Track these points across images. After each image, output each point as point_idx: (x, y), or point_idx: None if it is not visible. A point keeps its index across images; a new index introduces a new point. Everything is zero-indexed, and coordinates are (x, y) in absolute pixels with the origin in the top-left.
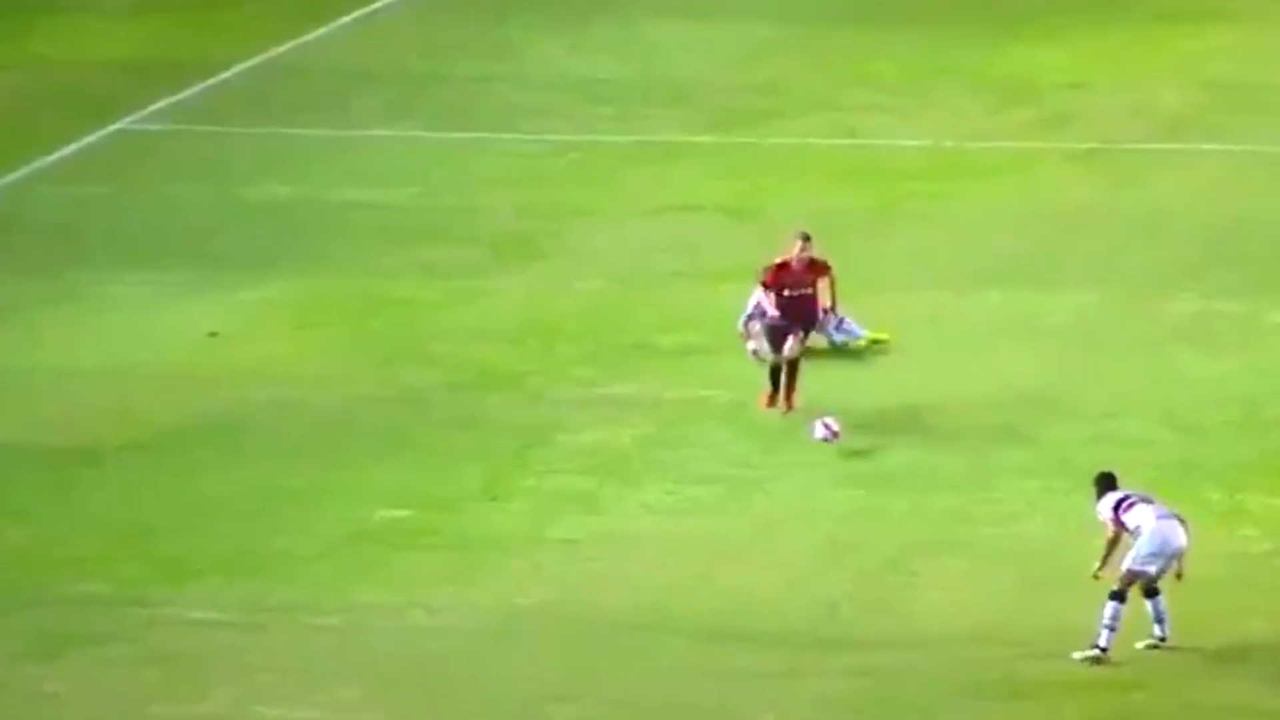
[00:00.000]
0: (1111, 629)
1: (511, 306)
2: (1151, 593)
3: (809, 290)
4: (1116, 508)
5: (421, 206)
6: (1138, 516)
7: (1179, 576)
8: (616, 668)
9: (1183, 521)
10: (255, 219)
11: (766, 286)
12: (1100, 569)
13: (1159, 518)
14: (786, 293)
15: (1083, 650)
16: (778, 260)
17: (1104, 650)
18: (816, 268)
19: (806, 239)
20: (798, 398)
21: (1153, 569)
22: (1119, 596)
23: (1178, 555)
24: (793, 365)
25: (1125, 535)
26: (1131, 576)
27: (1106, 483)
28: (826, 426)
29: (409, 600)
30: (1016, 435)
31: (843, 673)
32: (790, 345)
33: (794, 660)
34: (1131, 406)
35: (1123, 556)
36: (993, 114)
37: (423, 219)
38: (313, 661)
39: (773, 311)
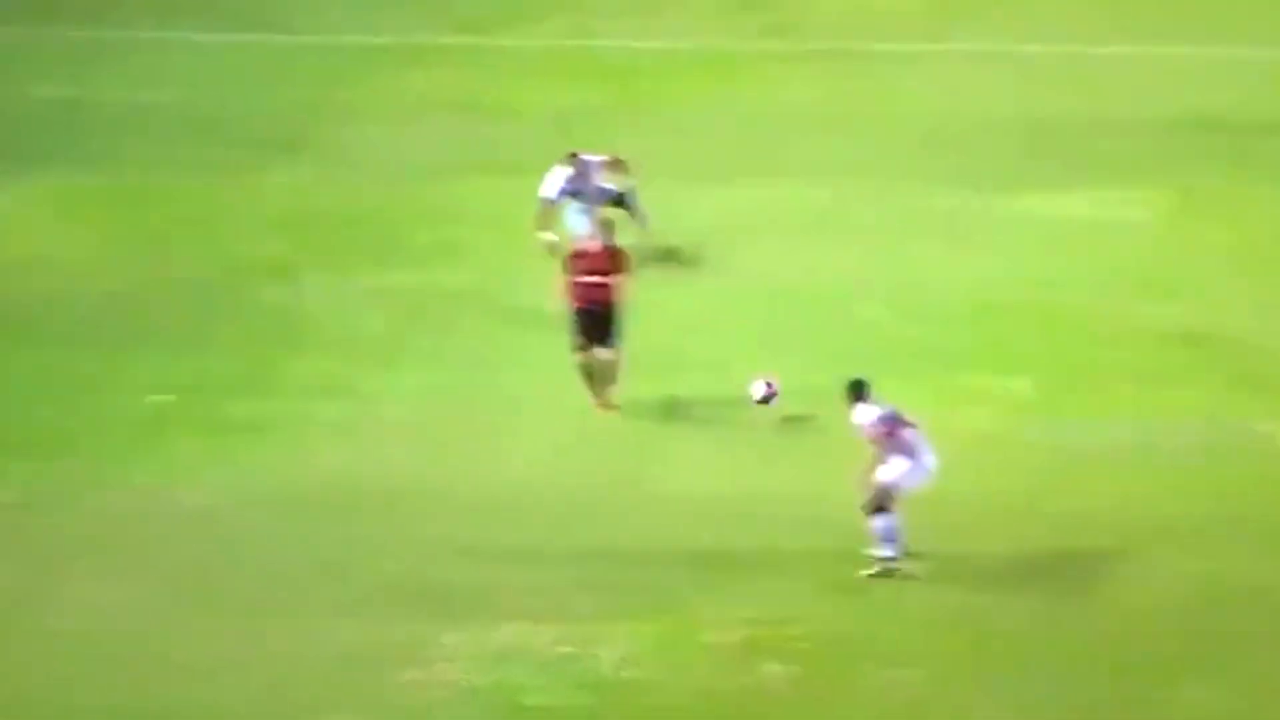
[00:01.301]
0: (891, 540)
1: (278, 201)
2: (889, 509)
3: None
4: (887, 421)
5: (191, 105)
6: (911, 439)
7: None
8: (382, 544)
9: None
10: (29, 117)
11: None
12: (865, 482)
13: (916, 446)
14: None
15: (869, 568)
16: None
17: (892, 559)
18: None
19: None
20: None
21: (907, 487)
22: (883, 509)
23: (926, 477)
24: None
25: (880, 448)
26: (890, 491)
27: (858, 391)
28: (768, 385)
29: (180, 481)
30: (753, 322)
31: (596, 553)
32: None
33: (550, 538)
34: (863, 292)
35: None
36: (728, 16)
37: (193, 117)
38: (90, 541)
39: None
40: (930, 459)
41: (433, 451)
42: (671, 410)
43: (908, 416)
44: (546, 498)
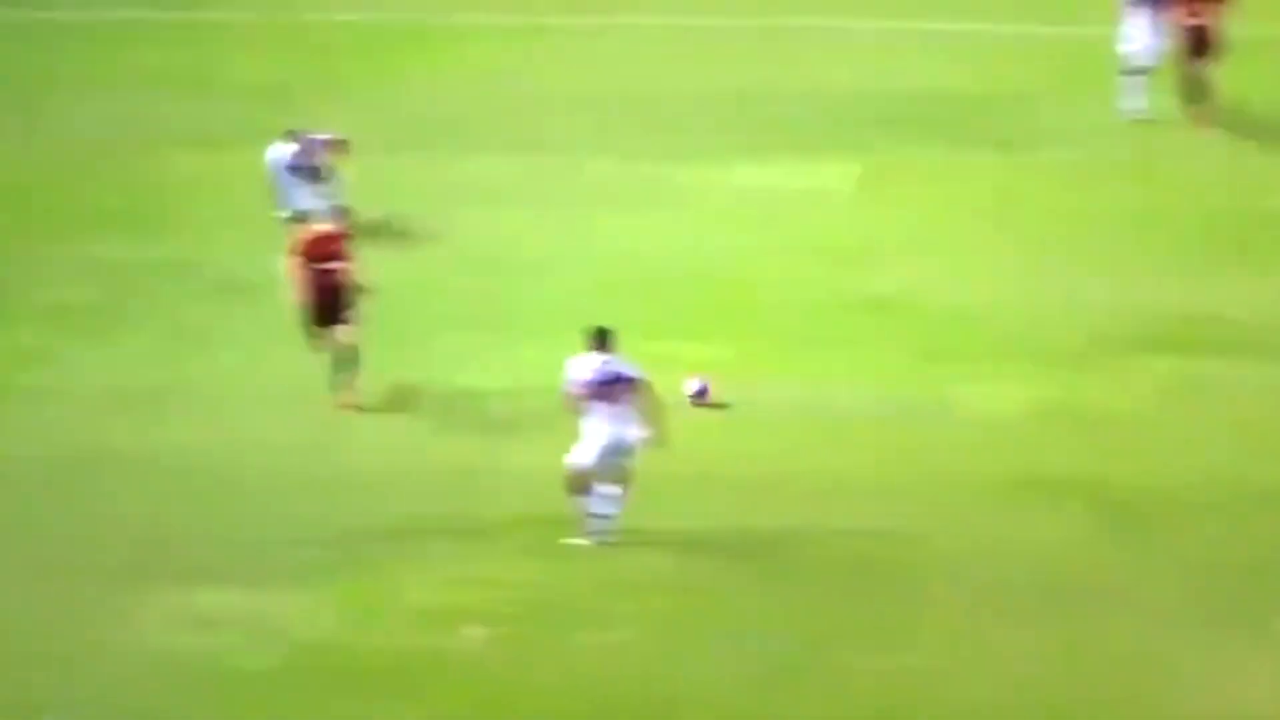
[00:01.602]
0: (598, 513)
1: None
2: (587, 489)
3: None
4: (593, 386)
5: None
6: (617, 412)
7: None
8: (85, 510)
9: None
10: None
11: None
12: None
13: (610, 419)
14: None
15: (575, 535)
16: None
17: (602, 530)
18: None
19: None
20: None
21: (593, 464)
22: (583, 489)
23: (615, 451)
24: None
25: (576, 408)
26: (580, 474)
27: (595, 339)
28: (701, 382)
29: None
30: (458, 294)
31: (300, 519)
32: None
33: (253, 504)
34: (564, 263)
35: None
36: None
37: None
38: None
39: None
40: (627, 433)
41: (137, 421)
42: (377, 382)
43: (630, 384)
44: (251, 466)
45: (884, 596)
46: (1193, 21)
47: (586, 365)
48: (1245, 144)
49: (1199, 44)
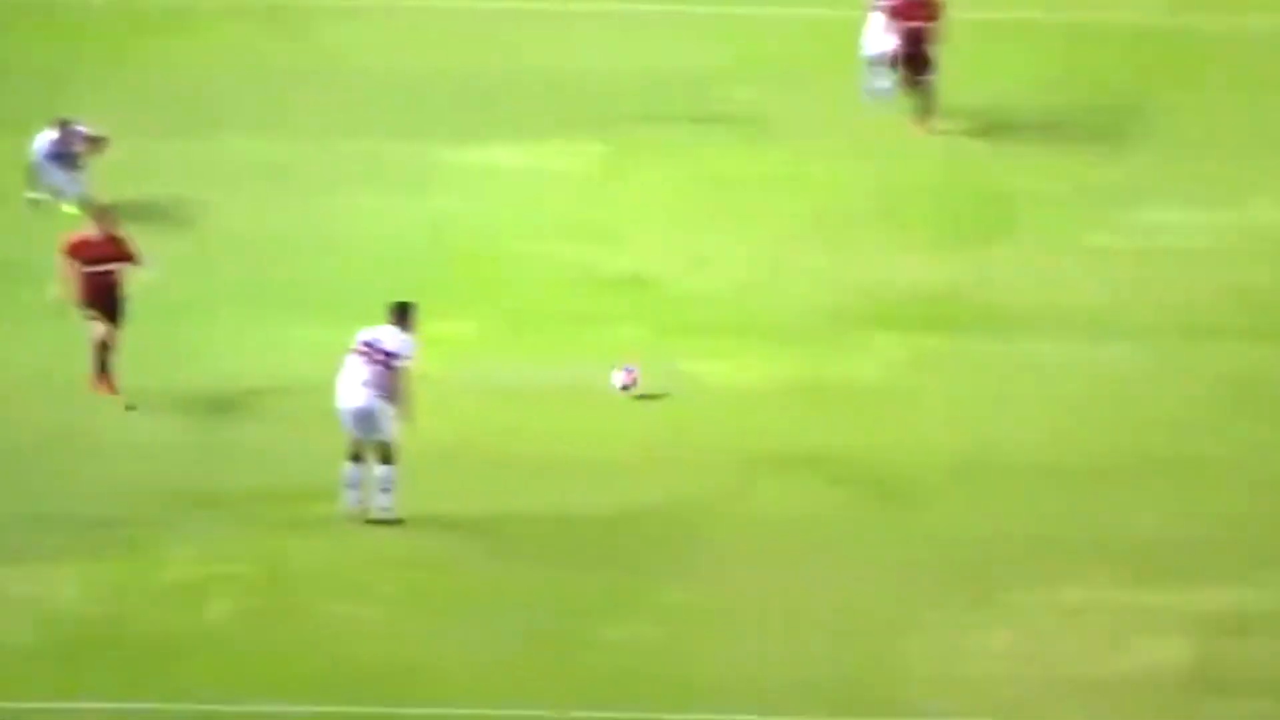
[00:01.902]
0: (350, 486)
1: None
2: (357, 458)
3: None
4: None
5: None
6: (349, 367)
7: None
8: None
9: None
10: None
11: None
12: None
13: (363, 384)
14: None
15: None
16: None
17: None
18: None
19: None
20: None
21: (351, 433)
22: (352, 455)
23: (365, 419)
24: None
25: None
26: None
27: (393, 313)
28: (628, 372)
29: None
30: (214, 275)
31: (55, 493)
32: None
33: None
34: (316, 242)
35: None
36: None
37: None
38: None
39: None
40: (375, 404)
41: None
42: (141, 359)
43: (387, 359)
44: (10, 442)
45: (628, 569)
46: (909, 33)
47: (371, 331)
48: (975, 125)
49: (914, 55)
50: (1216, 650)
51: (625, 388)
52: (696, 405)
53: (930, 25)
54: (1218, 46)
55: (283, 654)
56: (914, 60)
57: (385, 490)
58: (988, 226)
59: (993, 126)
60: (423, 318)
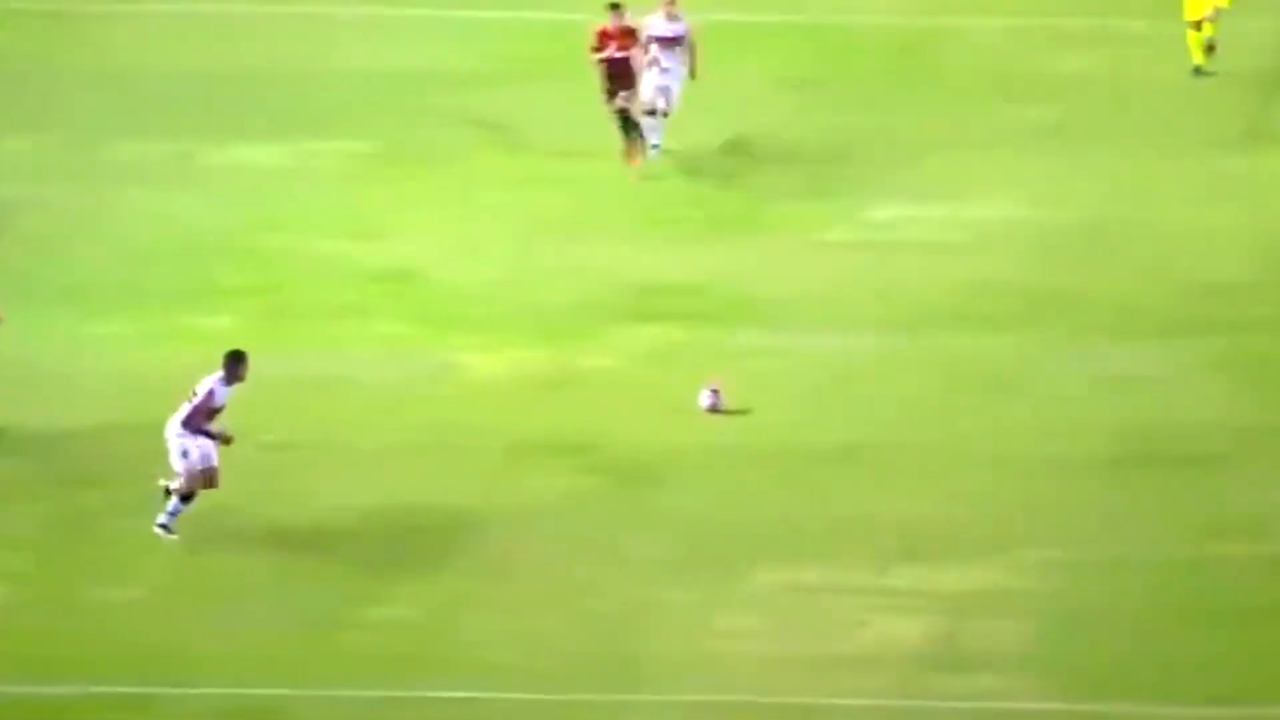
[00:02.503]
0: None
1: None
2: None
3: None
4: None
5: None
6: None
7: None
8: None
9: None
10: None
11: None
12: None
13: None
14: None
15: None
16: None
17: (165, 528)
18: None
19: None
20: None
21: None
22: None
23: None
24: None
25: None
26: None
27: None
28: (713, 392)
29: None
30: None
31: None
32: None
33: None
34: (84, 235)
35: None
36: None
37: None
38: None
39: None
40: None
41: None
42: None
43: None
44: None
45: (390, 554)
46: (611, 57)
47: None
48: (733, 124)
49: (617, 79)
50: (953, 628)
51: (713, 408)
52: (455, 396)
53: (632, 42)
54: (955, 47)
55: (52, 634)
56: (615, 80)
57: (171, 512)
58: (733, 222)
59: (738, 125)
60: (190, 315)
